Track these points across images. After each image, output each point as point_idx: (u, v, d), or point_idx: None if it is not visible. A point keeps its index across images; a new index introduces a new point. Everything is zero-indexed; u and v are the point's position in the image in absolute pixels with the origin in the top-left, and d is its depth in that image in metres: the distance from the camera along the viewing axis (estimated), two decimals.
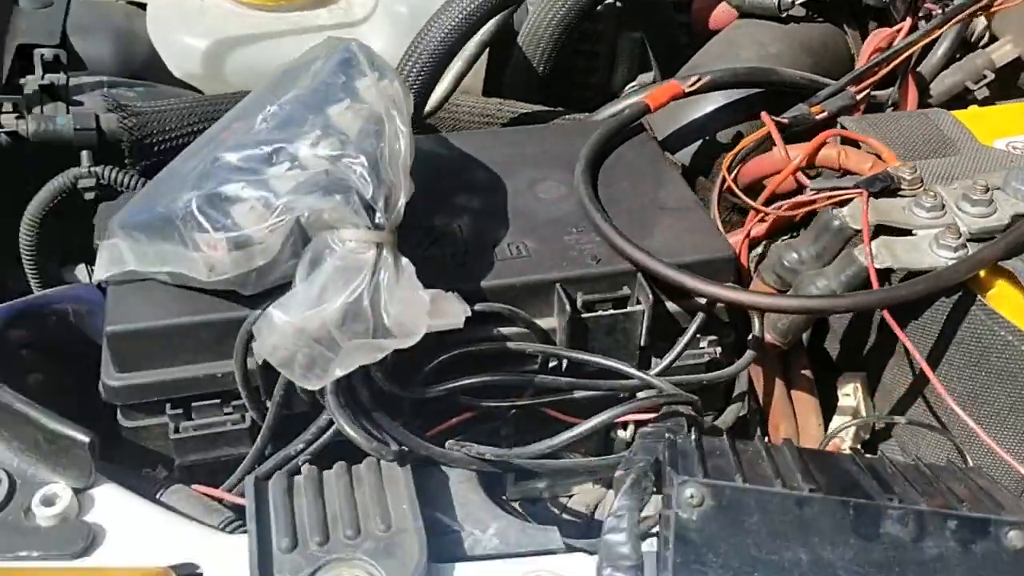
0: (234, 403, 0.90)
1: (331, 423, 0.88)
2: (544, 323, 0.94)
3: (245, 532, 0.82)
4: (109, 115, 1.19)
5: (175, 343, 0.86)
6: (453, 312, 0.78)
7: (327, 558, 0.75)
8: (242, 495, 0.90)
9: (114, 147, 1.21)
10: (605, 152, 1.09)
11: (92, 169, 1.17)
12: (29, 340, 1.17)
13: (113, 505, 0.83)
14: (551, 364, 0.94)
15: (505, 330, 0.92)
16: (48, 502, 0.81)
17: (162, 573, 0.66)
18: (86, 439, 0.82)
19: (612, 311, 0.93)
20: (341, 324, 0.76)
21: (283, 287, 0.83)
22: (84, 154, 1.18)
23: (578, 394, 0.93)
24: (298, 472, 0.83)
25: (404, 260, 0.79)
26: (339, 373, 0.78)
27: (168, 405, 0.89)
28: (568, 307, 0.92)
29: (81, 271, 1.36)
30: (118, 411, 0.90)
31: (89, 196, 1.19)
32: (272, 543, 0.75)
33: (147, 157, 1.21)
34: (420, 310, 0.77)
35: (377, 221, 0.78)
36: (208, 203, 0.77)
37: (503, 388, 0.93)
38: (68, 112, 1.19)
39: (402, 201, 0.80)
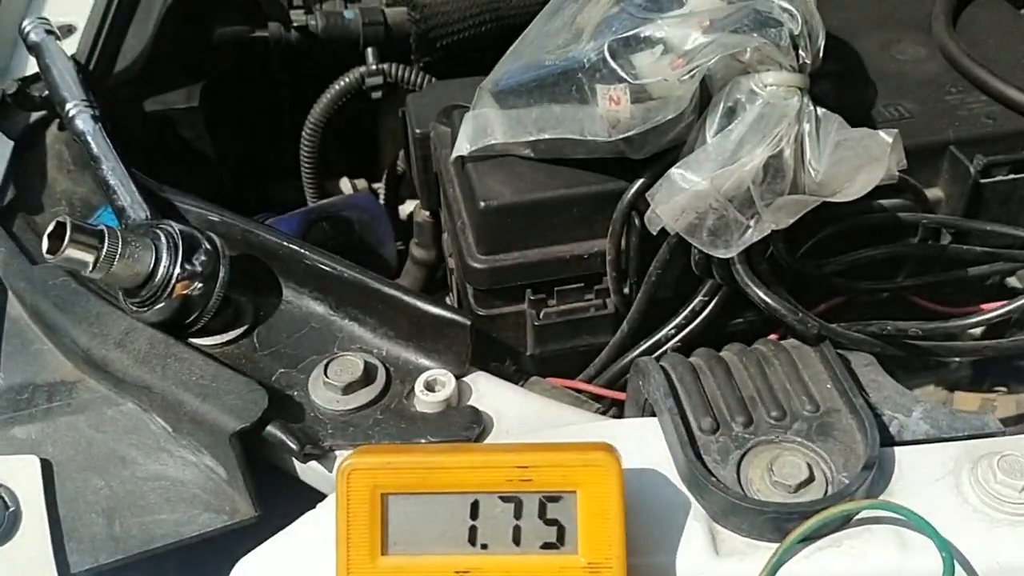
0: (596, 287, 0.83)
1: (704, 307, 0.82)
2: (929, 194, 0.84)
3: (632, 417, 0.77)
4: (395, 9, 1.14)
5: (545, 220, 0.79)
6: (886, 163, 0.69)
7: (755, 439, 0.68)
8: (604, 386, 0.85)
9: (398, 44, 1.16)
10: (958, 10, 0.97)
11: (379, 66, 1.13)
12: (325, 242, 1.15)
13: (491, 391, 0.78)
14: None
15: (887, 202, 0.83)
16: (431, 387, 0.76)
17: (607, 449, 0.60)
18: (467, 322, 0.77)
19: (1012, 175, 0.83)
20: (761, 181, 0.68)
21: (666, 153, 0.76)
22: (370, 51, 1.14)
23: (973, 272, 0.83)
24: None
25: (822, 109, 0.70)
26: (755, 238, 0.70)
27: (529, 291, 0.83)
28: (964, 172, 0.81)
29: (345, 184, 1.33)
30: (471, 300, 0.85)
31: (376, 95, 1.15)
32: (691, 424, 0.69)
33: (430, 54, 1.15)
34: (850, 164, 0.68)
35: (801, 62, 0.69)
36: (619, 49, 0.69)
37: (882, 267, 0.84)
38: (351, 6, 1.15)
39: (821, 40, 0.71)
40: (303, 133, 1.15)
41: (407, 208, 1.30)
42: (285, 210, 1.16)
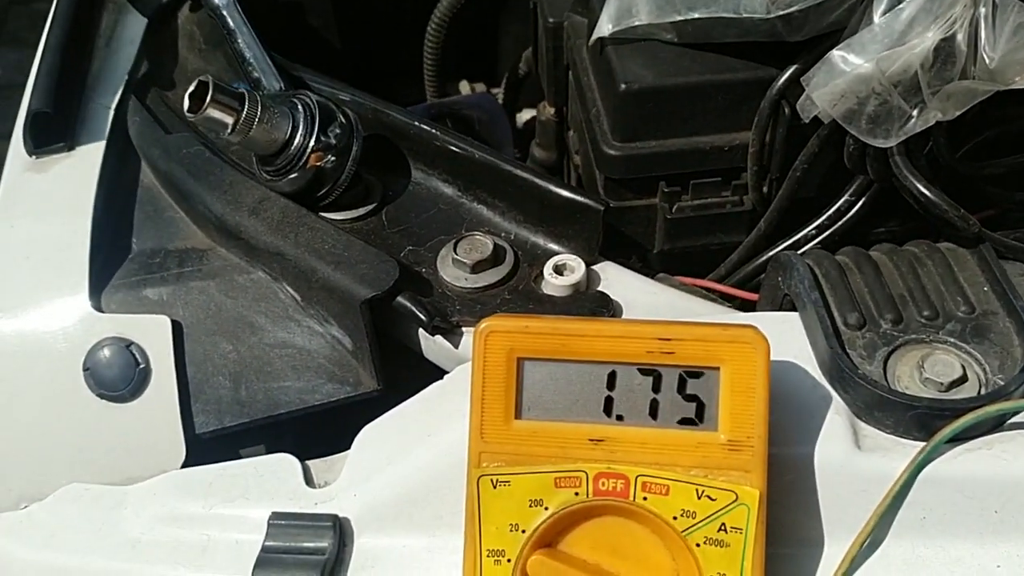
0: (735, 183, 0.80)
1: (850, 207, 0.78)
2: None
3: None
4: None
5: (687, 107, 0.77)
6: None
7: (905, 337, 0.65)
8: (735, 287, 0.82)
9: None
10: None
11: None
12: None
13: (620, 280, 0.76)
14: None
15: None
16: (560, 271, 0.75)
17: (754, 328, 0.58)
18: (600, 207, 0.75)
19: None
20: (930, 66, 0.64)
21: (822, 39, 0.72)
22: None
23: None
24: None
25: None
26: (917, 128, 0.66)
27: (663, 183, 0.80)
28: None
29: (464, 87, 1.31)
30: (601, 191, 0.83)
31: None
32: (836, 318, 0.66)
33: None
34: None
35: None
36: None
37: None
38: None
39: None
40: (428, 29, 1.13)
41: (524, 116, 1.28)
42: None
